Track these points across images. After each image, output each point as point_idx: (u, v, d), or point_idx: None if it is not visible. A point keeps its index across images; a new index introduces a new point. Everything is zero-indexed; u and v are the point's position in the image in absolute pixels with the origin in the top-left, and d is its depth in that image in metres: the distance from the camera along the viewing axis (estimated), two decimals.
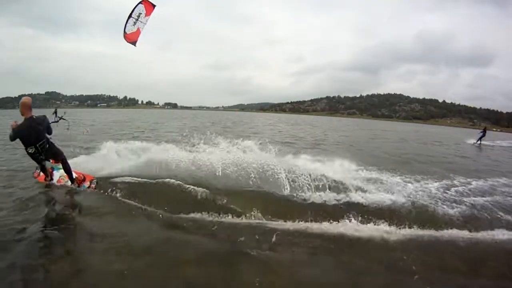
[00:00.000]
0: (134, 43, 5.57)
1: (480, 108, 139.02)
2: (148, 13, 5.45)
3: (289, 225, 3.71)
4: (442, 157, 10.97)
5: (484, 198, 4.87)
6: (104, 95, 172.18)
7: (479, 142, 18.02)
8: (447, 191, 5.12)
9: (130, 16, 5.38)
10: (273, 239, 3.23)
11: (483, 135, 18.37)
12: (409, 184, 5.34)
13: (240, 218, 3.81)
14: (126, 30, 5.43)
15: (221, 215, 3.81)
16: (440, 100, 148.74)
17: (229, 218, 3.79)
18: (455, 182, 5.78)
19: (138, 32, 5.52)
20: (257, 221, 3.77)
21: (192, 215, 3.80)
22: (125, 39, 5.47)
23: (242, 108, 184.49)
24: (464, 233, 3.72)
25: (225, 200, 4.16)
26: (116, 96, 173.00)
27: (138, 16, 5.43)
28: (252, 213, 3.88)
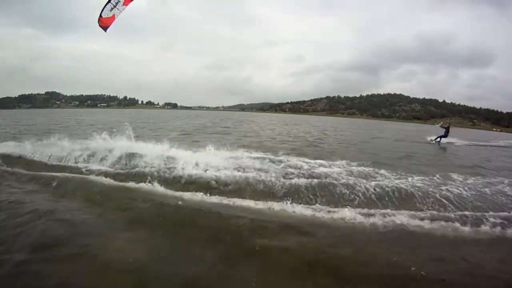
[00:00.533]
0: (106, 28, 5.61)
1: (480, 108, 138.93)
2: (126, 3, 5.47)
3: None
4: (431, 154, 11.29)
5: (459, 191, 5.08)
6: (104, 95, 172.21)
7: (438, 139, 15.97)
8: (422, 183, 5.43)
9: (109, 1, 5.41)
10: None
11: (445, 135, 15.99)
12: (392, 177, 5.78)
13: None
14: (102, 14, 5.45)
15: None
16: (440, 100, 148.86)
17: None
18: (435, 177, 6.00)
19: (113, 18, 5.56)
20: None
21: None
22: (98, 22, 5.50)
23: (242, 108, 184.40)
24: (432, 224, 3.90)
25: None
26: (116, 96, 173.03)
27: (116, 4, 5.45)
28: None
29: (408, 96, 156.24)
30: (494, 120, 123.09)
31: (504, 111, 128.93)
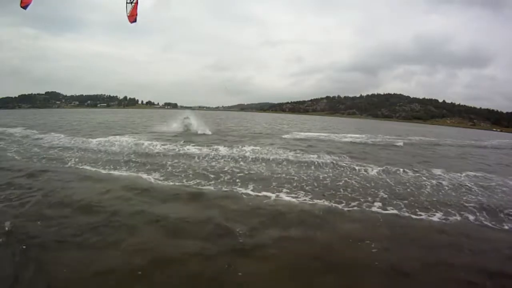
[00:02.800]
0: (26, 6, 5.78)
1: (480, 108, 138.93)
2: None
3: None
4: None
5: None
6: (104, 95, 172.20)
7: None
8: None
9: None
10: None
11: None
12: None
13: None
14: None
15: None
16: (440, 100, 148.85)
17: None
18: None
19: None
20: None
21: None
22: (20, 4, 5.69)
23: (242, 108, 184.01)
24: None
25: None
26: (116, 96, 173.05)
27: None
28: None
29: (408, 96, 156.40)
30: (494, 120, 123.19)
31: (504, 111, 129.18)
